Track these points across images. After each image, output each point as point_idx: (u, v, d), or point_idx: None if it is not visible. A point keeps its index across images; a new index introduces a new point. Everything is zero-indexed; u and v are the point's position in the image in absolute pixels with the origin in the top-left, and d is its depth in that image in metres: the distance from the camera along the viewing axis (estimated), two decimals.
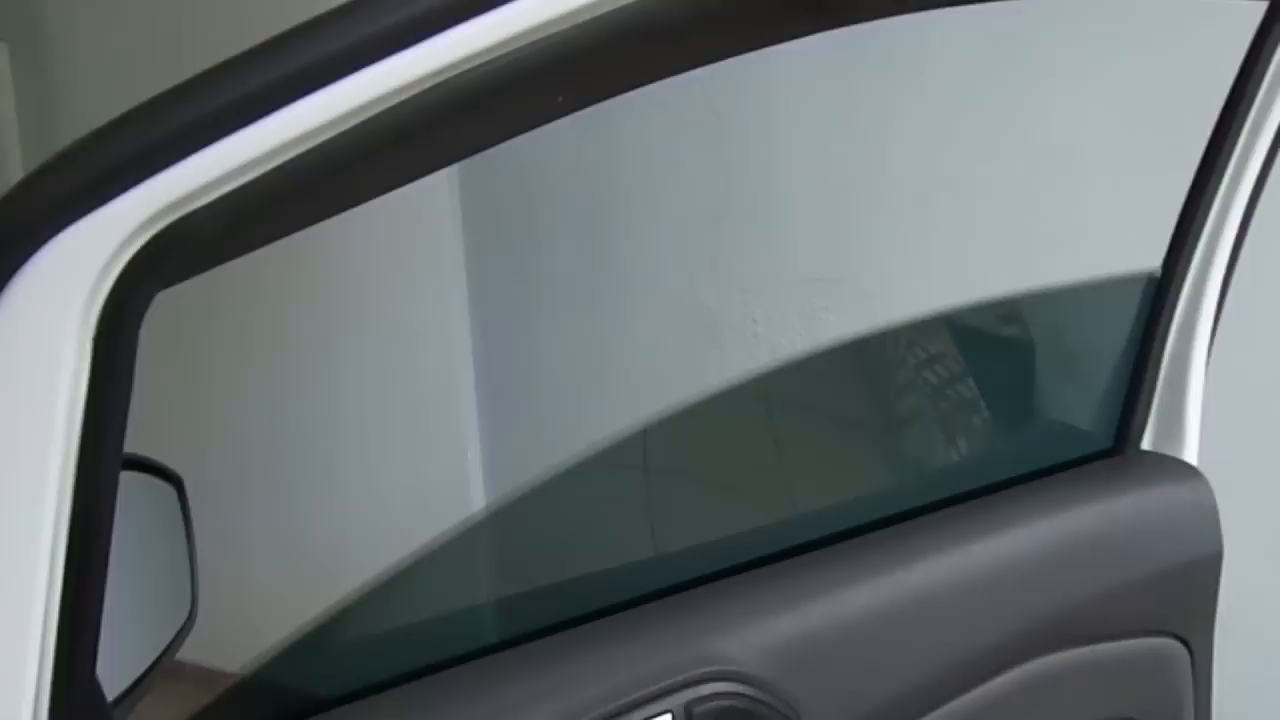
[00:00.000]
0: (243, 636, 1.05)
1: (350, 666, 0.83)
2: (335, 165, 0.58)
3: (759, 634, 0.83)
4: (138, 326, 0.58)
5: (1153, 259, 1.13)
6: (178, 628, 0.84)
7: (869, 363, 1.15)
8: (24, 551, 0.58)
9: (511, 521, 0.93)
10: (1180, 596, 1.08)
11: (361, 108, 0.57)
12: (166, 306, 0.62)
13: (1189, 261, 1.13)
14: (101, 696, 0.68)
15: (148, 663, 0.79)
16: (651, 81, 0.73)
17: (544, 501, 0.95)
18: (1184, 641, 1.09)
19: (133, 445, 0.64)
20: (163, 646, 0.82)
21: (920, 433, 1.16)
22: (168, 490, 0.86)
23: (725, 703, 0.79)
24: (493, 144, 0.73)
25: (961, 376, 1.23)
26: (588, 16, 0.59)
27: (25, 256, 0.55)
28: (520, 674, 0.76)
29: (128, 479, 0.80)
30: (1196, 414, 1.17)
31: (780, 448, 1.06)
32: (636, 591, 0.87)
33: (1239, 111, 1.01)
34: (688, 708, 0.77)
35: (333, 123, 0.57)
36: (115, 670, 0.76)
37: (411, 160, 0.69)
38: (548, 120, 0.71)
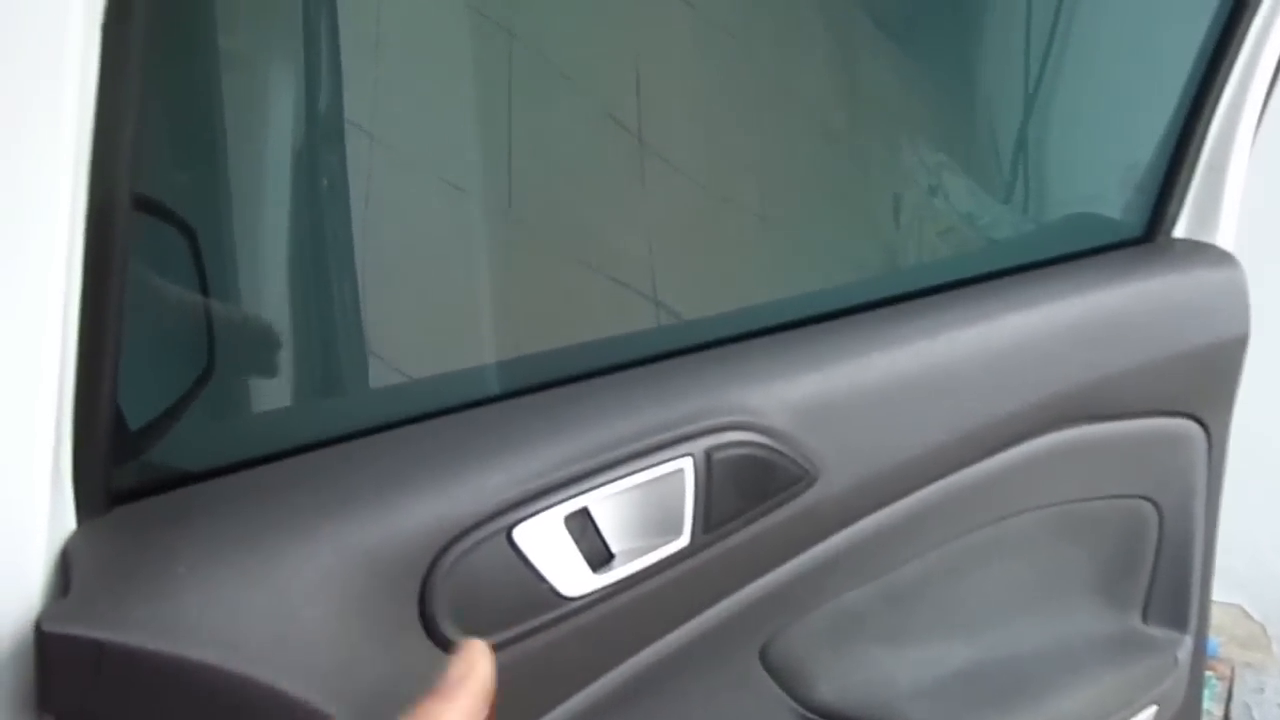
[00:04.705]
0: None
1: (357, 406, 0.83)
2: None
3: (782, 390, 0.83)
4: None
5: None
6: (196, 377, 0.84)
7: (905, 135, 1.11)
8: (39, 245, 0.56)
9: (530, 278, 0.90)
10: (1203, 378, 1.07)
11: None
12: None
13: (1242, 39, 1.07)
14: (123, 418, 0.68)
15: (168, 404, 0.80)
16: None
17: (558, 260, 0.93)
18: (1202, 423, 1.08)
19: None
20: (183, 392, 0.83)
21: (952, 212, 1.13)
22: (180, 240, 0.85)
23: (745, 451, 0.79)
24: None
25: (994, 159, 1.19)
26: None
27: None
28: (540, 414, 0.76)
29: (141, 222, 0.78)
30: (1235, 202, 1.13)
31: (808, 219, 1.03)
32: (660, 350, 0.86)
33: None
34: (708, 453, 0.77)
35: None
36: (138, 407, 0.77)
37: None
38: None
